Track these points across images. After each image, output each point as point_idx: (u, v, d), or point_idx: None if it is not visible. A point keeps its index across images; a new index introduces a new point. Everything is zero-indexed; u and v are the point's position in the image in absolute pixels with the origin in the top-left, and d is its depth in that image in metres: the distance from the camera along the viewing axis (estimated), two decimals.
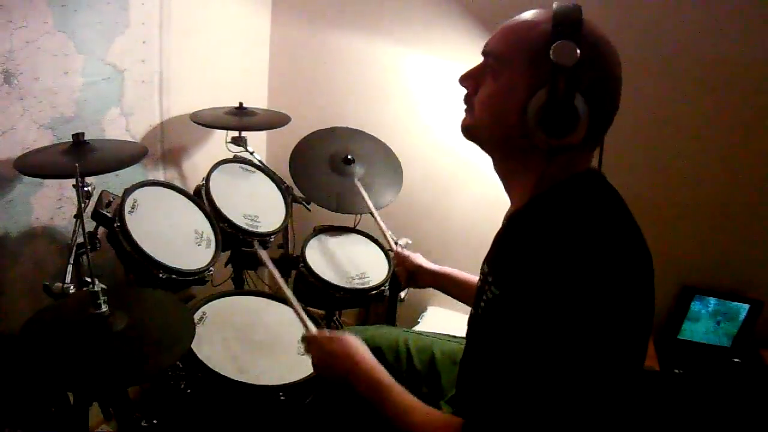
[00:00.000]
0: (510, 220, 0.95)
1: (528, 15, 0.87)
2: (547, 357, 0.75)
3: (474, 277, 1.30)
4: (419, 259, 1.45)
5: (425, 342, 1.33)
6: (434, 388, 1.24)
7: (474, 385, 0.97)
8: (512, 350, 0.80)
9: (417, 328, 2.15)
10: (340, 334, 1.04)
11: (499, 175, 0.95)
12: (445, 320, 2.19)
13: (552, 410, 0.75)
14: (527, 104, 0.81)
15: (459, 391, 1.07)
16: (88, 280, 1.10)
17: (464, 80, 0.93)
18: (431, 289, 1.43)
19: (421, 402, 0.91)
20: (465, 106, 0.94)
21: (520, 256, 0.82)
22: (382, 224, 1.65)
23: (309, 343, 1.06)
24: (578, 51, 0.77)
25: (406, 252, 1.48)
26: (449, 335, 1.39)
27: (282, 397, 1.21)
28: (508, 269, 0.85)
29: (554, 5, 0.83)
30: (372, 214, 1.65)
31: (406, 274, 1.47)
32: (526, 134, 0.82)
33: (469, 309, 1.07)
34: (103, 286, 1.10)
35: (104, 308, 1.09)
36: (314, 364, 1.04)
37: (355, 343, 1.02)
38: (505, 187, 0.96)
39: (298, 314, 1.14)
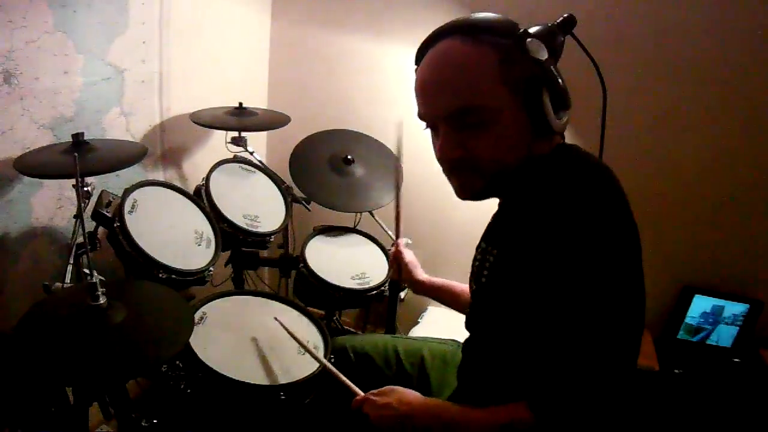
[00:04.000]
0: (505, 197, 0.98)
1: (453, 55, 0.86)
2: (560, 301, 0.78)
3: (466, 287, 1.32)
4: (414, 269, 1.45)
5: (414, 346, 1.36)
6: (424, 389, 1.26)
7: (487, 366, 1.00)
8: (526, 306, 0.83)
9: (417, 327, 2.15)
10: (387, 388, 1.05)
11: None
12: (445, 320, 2.19)
13: (581, 350, 0.78)
14: (541, 112, 0.83)
15: (463, 384, 1.08)
16: (87, 272, 1.09)
17: (455, 152, 0.89)
18: None
19: (479, 408, 0.92)
20: (461, 175, 0.93)
21: (514, 219, 0.89)
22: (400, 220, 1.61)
23: (362, 404, 1.06)
24: (545, 49, 0.83)
25: (406, 257, 1.47)
26: (439, 339, 1.41)
27: (282, 397, 1.21)
28: (504, 232, 0.91)
29: (481, 19, 0.86)
30: (397, 197, 1.59)
31: (397, 274, 1.48)
32: (543, 134, 0.87)
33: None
34: (102, 278, 1.09)
35: (102, 300, 1.08)
36: (373, 421, 1.04)
37: (403, 389, 1.04)
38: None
39: (343, 382, 1.15)
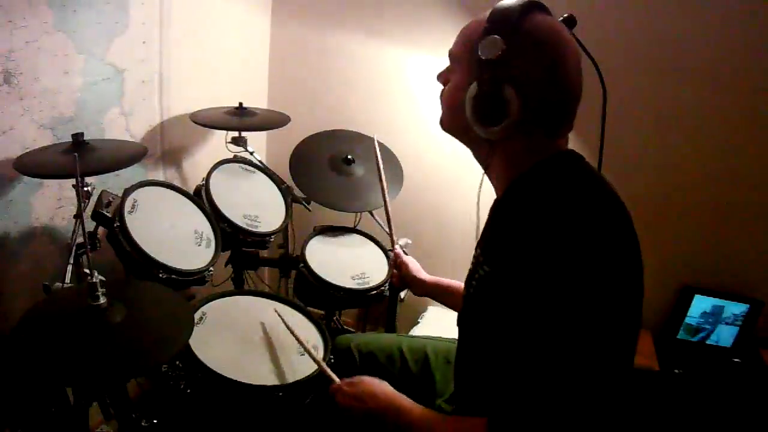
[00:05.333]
0: (494, 205, 0.99)
1: (480, 16, 0.91)
2: (540, 326, 0.77)
3: None
4: (415, 269, 1.45)
5: (418, 344, 1.36)
6: (428, 387, 1.27)
7: (472, 371, 1.00)
8: (507, 324, 0.83)
9: (417, 327, 2.15)
10: (357, 379, 1.08)
11: (483, 169, 1.00)
12: (445, 320, 2.19)
13: (554, 377, 0.77)
14: (464, 99, 0.87)
15: (457, 385, 1.08)
16: (87, 271, 1.09)
17: (438, 78, 1.00)
18: None
19: (444, 415, 0.95)
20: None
21: (506, 234, 0.88)
22: (388, 223, 1.63)
23: (335, 392, 1.09)
24: (503, 44, 0.82)
25: (405, 258, 1.48)
26: (442, 337, 1.40)
27: (282, 397, 1.21)
28: (496, 248, 0.90)
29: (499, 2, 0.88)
30: (385, 204, 1.61)
31: (400, 282, 1.49)
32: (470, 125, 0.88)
33: None
34: (102, 278, 1.09)
35: (102, 300, 1.08)
36: (342, 410, 1.06)
37: (374, 382, 1.06)
38: (488, 177, 0.99)
39: (321, 368, 1.18)
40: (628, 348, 0.83)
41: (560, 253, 0.77)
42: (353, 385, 1.06)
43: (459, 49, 0.92)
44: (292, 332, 1.31)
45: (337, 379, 1.13)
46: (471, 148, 0.99)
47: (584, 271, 0.76)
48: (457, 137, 0.99)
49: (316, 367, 1.29)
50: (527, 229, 0.82)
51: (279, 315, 1.39)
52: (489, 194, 1.00)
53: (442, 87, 0.98)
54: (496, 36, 0.82)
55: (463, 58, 0.90)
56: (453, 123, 0.96)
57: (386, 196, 1.57)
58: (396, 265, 1.49)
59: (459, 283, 1.36)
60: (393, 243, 1.53)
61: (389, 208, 1.57)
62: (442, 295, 1.39)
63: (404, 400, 1.00)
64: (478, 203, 1.06)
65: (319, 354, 1.36)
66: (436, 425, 0.93)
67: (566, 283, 0.76)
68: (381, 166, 1.60)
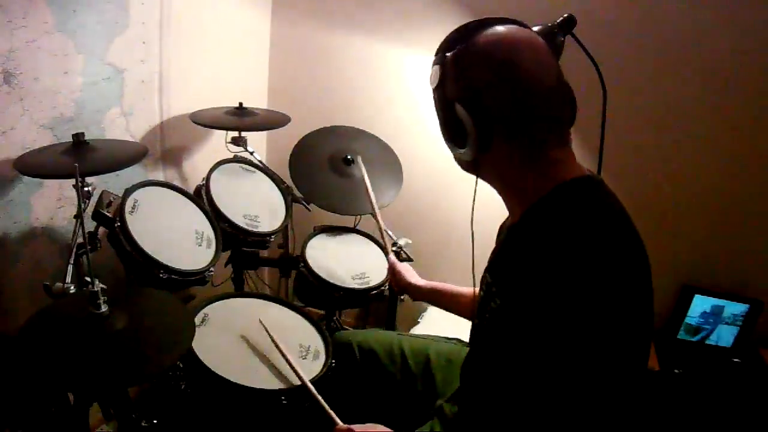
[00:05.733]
0: (509, 232, 0.97)
1: None
2: (551, 363, 0.76)
3: (464, 289, 1.31)
4: (409, 275, 1.46)
5: (420, 344, 1.35)
6: (429, 388, 1.26)
7: (479, 393, 0.98)
8: (518, 358, 0.81)
9: (417, 328, 2.14)
10: (371, 425, 1.06)
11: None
12: (445, 320, 2.18)
13: (558, 414, 0.77)
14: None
15: (463, 386, 1.08)
16: (88, 279, 1.10)
17: None
18: None
19: None
20: None
21: (519, 268, 0.85)
22: (382, 225, 1.65)
23: None
24: (440, 70, 0.88)
25: (398, 266, 1.49)
26: (444, 337, 1.40)
27: (283, 401, 1.21)
28: (510, 280, 0.87)
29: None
30: (374, 215, 1.64)
31: (397, 288, 1.50)
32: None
33: None
34: (103, 286, 1.09)
35: (104, 308, 1.09)
36: None
37: (387, 429, 1.04)
38: (504, 202, 0.97)
39: (324, 409, 1.16)
40: (638, 374, 0.83)
41: (577, 291, 0.76)
42: (367, 429, 1.05)
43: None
44: (294, 369, 1.26)
45: (339, 421, 1.12)
46: (481, 177, 0.96)
47: (600, 310, 0.76)
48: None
49: (317, 371, 1.29)
50: (544, 264, 0.80)
51: (267, 331, 1.35)
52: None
53: None
54: (435, 66, 0.90)
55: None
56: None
57: (376, 209, 1.61)
58: (392, 273, 1.50)
59: (453, 287, 1.36)
60: (386, 254, 1.54)
61: (380, 220, 1.60)
62: (438, 299, 1.40)
63: None
64: (473, 209, 1.04)
65: (320, 359, 1.35)
66: None
67: (581, 322, 0.75)
68: (369, 184, 1.64)
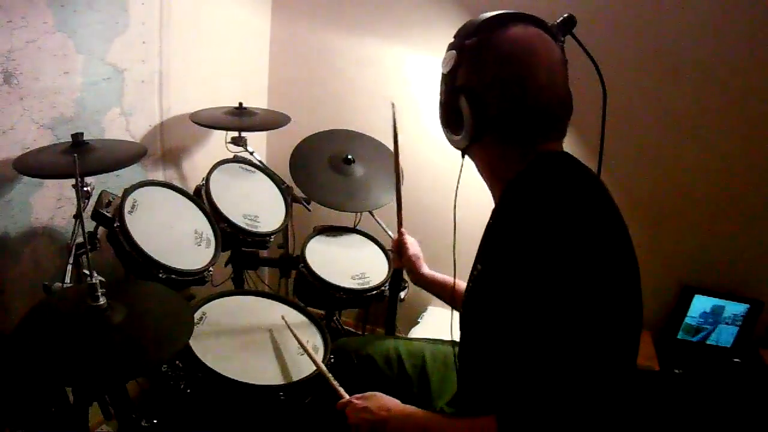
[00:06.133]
0: (491, 215, 0.99)
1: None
2: (536, 323, 0.77)
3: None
4: (415, 254, 1.44)
5: (416, 347, 1.36)
6: (424, 390, 1.27)
7: (474, 370, 1.00)
8: (503, 323, 0.83)
9: (417, 327, 2.15)
10: (369, 393, 1.08)
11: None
12: (445, 320, 2.18)
13: (555, 373, 0.77)
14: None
15: (460, 385, 1.08)
16: (86, 272, 1.09)
17: None
18: None
19: (455, 417, 0.97)
20: None
21: (498, 235, 0.90)
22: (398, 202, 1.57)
23: (345, 406, 1.09)
24: (457, 59, 0.88)
25: (408, 242, 1.45)
26: (440, 339, 1.40)
27: (282, 397, 1.21)
28: (490, 248, 0.92)
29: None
30: (398, 183, 1.54)
31: (398, 264, 1.49)
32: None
33: None
34: (101, 279, 1.09)
35: (102, 301, 1.08)
36: (351, 424, 1.06)
37: (385, 396, 1.07)
38: (489, 188, 1.01)
39: (332, 385, 1.17)
40: (629, 344, 0.83)
41: (551, 251, 0.77)
42: (365, 399, 1.07)
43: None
44: (303, 346, 1.30)
45: (345, 395, 1.13)
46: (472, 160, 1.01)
47: (575, 268, 0.76)
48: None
49: (316, 367, 1.29)
50: (517, 227, 0.83)
51: (287, 323, 1.38)
52: (488, 195, 1.00)
53: None
54: (452, 51, 0.89)
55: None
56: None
57: (400, 171, 1.52)
58: (398, 250, 1.46)
59: (457, 281, 1.36)
60: (400, 226, 1.48)
61: (401, 188, 1.52)
62: (436, 290, 1.40)
63: (416, 409, 1.01)
64: (456, 192, 1.06)
65: (319, 355, 1.36)
66: (448, 428, 0.93)
67: (558, 280, 0.76)
68: (398, 138, 1.54)
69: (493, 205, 1.00)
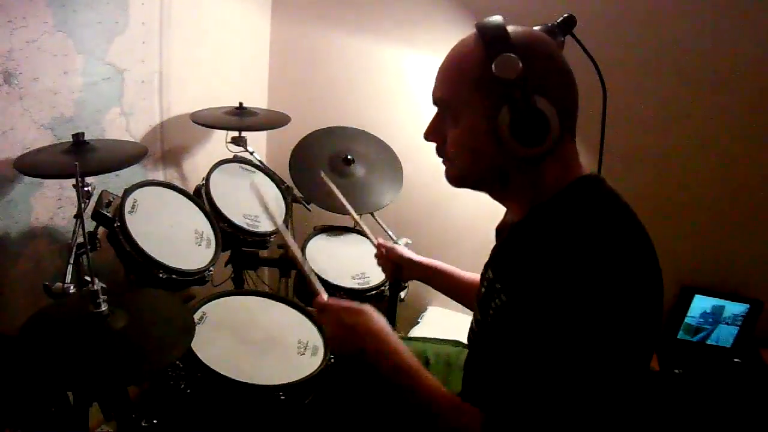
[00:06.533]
0: (513, 229, 0.94)
1: (456, 48, 0.88)
2: (559, 360, 0.75)
3: (463, 273, 1.30)
4: (403, 251, 1.39)
5: (417, 347, 1.34)
6: None
7: (483, 389, 0.97)
8: (525, 355, 0.79)
9: (417, 327, 2.15)
10: (358, 305, 0.95)
11: (496, 199, 0.94)
12: (445, 320, 2.19)
13: (566, 409, 0.76)
14: (497, 129, 0.81)
15: (465, 392, 1.07)
16: (88, 279, 1.10)
17: (428, 136, 0.94)
18: (431, 288, 1.43)
19: (446, 389, 0.88)
20: (442, 160, 0.95)
21: (528, 263, 0.82)
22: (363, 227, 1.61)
23: (322, 311, 0.97)
24: (519, 59, 0.78)
25: (388, 244, 1.42)
26: (443, 339, 1.40)
27: (282, 397, 1.21)
28: (517, 276, 0.85)
29: (475, 24, 0.84)
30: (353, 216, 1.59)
31: (391, 267, 1.41)
32: (508, 157, 0.83)
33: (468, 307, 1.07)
34: (103, 285, 1.09)
35: (104, 307, 1.09)
36: (328, 337, 0.97)
37: (377, 318, 0.94)
38: (503, 204, 0.95)
39: (307, 278, 1.04)
40: (640, 373, 0.82)
41: (586, 286, 0.75)
42: (351, 313, 0.94)
43: (455, 89, 0.86)
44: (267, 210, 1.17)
45: (324, 294, 1.00)
46: (494, 190, 0.92)
47: (609, 305, 0.75)
48: (479, 186, 0.92)
49: (315, 366, 1.29)
50: (552, 260, 0.78)
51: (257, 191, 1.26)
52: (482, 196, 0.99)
53: (438, 142, 0.92)
54: (508, 54, 0.78)
55: (468, 95, 0.84)
56: (477, 170, 0.89)
57: (354, 213, 1.57)
58: (384, 254, 1.41)
59: (453, 269, 1.33)
60: (371, 241, 1.48)
61: (361, 223, 1.57)
62: (435, 278, 1.34)
63: (410, 356, 0.91)
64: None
65: (319, 355, 1.36)
66: (438, 395, 0.87)
67: (590, 317, 0.74)
68: (338, 193, 1.58)
69: (490, 205, 0.98)
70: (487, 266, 0.98)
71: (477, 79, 0.82)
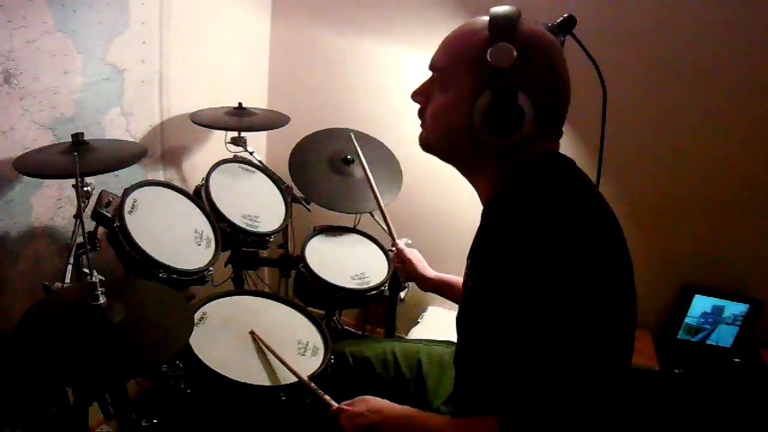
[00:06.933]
0: (481, 215, 0.96)
1: (467, 24, 0.89)
2: (534, 330, 0.76)
3: None
4: (421, 266, 1.44)
5: (412, 348, 1.36)
6: (421, 391, 1.27)
7: (472, 371, 0.99)
8: (501, 330, 0.81)
9: (417, 327, 2.15)
10: (357, 398, 1.07)
11: (465, 177, 0.97)
12: (445, 320, 2.19)
13: (554, 375, 0.76)
14: (473, 111, 0.84)
15: (457, 385, 1.08)
16: (86, 271, 1.09)
17: (415, 96, 0.96)
18: None
19: (449, 417, 0.95)
20: (420, 120, 0.97)
21: (488, 245, 0.86)
22: (389, 221, 1.61)
23: (337, 415, 1.08)
24: (514, 51, 0.79)
25: (407, 254, 1.46)
26: (436, 340, 1.41)
27: (282, 398, 1.21)
28: (480, 259, 0.88)
29: (491, 10, 0.85)
30: (380, 208, 1.60)
31: (405, 276, 1.48)
32: (477, 139, 0.85)
33: None
34: (101, 278, 1.09)
35: (102, 300, 1.08)
36: (347, 429, 1.05)
37: (373, 398, 1.05)
38: (474, 187, 0.97)
39: (317, 393, 1.17)
40: (624, 344, 0.83)
41: (548, 258, 0.76)
42: (355, 404, 1.06)
43: (452, 61, 0.88)
44: (281, 360, 1.28)
45: (334, 403, 1.12)
46: (459, 165, 0.96)
47: (572, 275, 0.75)
48: (443, 154, 0.95)
49: (316, 367, 1.29)
50: (512, 236, 0.80)
51: (260, 339, 1.34)
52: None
53: (421, 104, 0.95)
54: (507, 43, 0.79)
55: (461, 70, 0.86)
56: (445, 140, 0.92)
57: (378, 195, 1.56)
58: (401, 260, 1.47)
59: (460, 279, 1.35)
60: (393, 240, 1.51)
61: (383, 207, 1.55)
62: (446, 290, 1.39)
63: (407, 408, 1.00)
64: None
65: (319, 355, 1.36)
66: (447, 428, 0.92)
67: (554, 287, 0.75)
68: (365, 165, 1.58)
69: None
70: (468, 256, 1.00)
71: (474, 59, 0.84)
